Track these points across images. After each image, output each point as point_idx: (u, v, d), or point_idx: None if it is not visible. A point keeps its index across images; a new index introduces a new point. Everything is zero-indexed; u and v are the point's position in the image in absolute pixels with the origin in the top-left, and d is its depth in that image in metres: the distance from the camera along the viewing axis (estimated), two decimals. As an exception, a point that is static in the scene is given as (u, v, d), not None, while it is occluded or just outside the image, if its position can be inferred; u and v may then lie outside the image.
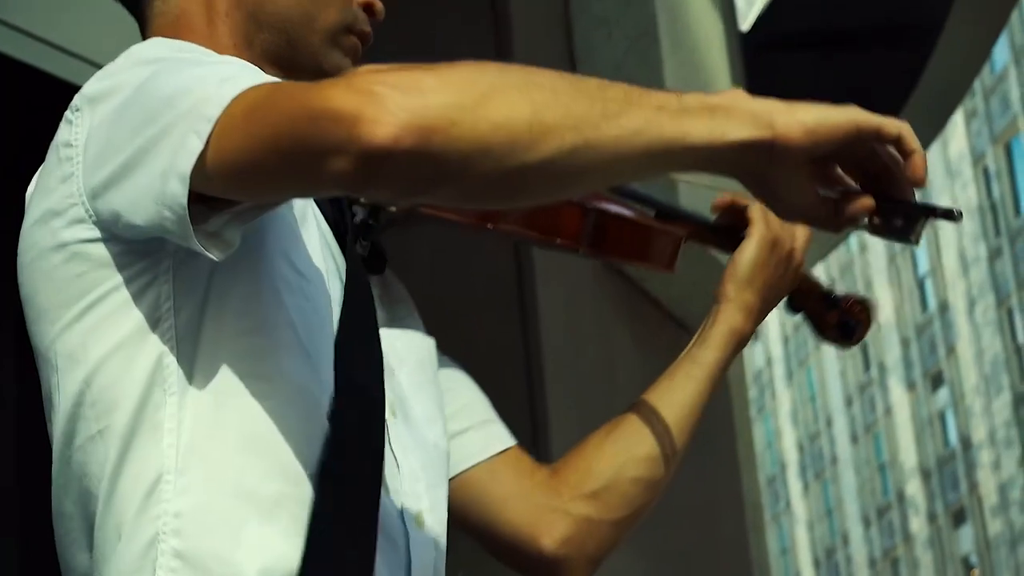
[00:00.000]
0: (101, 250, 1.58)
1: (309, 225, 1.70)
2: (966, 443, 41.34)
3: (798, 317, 2.29)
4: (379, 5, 1.87)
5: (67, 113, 1.63)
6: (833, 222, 1.51)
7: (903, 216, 1.52)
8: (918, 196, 1.53)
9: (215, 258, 1.51)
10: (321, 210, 1.77)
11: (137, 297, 1.58)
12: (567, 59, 5.43)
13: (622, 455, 2.04)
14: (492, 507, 2.00)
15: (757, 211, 2.11)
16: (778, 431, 54.87)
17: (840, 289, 2.33)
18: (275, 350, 1.60)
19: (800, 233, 2.13)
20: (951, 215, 1.52)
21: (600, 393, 4.75)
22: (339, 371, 1.62)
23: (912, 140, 1.49)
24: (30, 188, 1.68)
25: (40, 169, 1.67)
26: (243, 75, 1.47)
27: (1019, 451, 38.09)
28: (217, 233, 1.51)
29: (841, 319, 2.26)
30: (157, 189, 1.47)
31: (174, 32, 1.75)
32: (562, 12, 5.50)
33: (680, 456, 2.08)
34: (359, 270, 1.72)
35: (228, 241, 1.52)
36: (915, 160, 1.49)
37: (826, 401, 50.88)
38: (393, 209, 1.80)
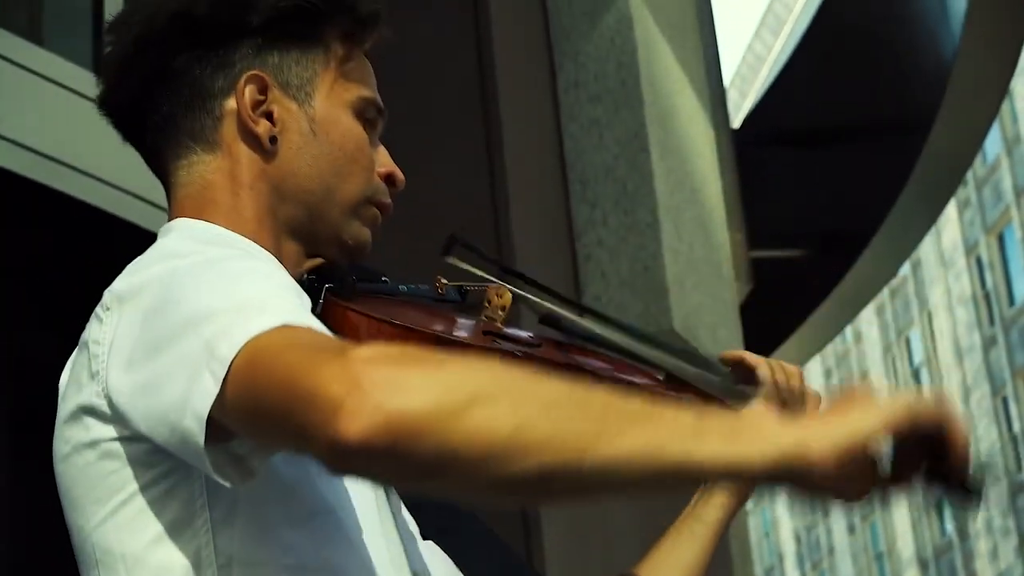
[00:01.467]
0: (132, 448, 1.60)
1: None
2: (963, 533, 41.15)
3: None
4: (400, 176, 1.91)
5: (98, 309, 1.66)
6: (870, 499, 1.49)
7: (948, 490, 1.48)
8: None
9: (233, 485, 1.53)
10: None
11: (170, 493, 1.59)
12: (558, 163, 5.49)
13: None
14: None
15: (766, 371, 2.09)
16: (775, 521, 54.58)
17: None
18: (315, 540, 1.61)
19: (809, 393, 2.13)
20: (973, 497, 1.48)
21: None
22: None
23: (954, 426, 1.44)
24: (63, 377, 1.71)
25: (72, 359, 1.70)
26: (263, 303, 1.50)
27: (1016, 540, 37.89)
28: (243, 457, 1.53)
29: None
30: (174, 420, 1.49)
31: (197, 207, 1.79)
32: (552, 116, 5.56)
33: None
34: None
35: (250, 469, 1.54)
36: (957, 447, 1.44)
37: (822, 490, 50.63)
38: None
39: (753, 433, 1.40)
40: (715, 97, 10.26)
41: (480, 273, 2.03)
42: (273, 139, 1.80)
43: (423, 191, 4.99)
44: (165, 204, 1.87)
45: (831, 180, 12.64)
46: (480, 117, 5.08)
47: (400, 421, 1.32)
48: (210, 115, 1.80)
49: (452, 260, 2.04)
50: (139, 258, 1.70)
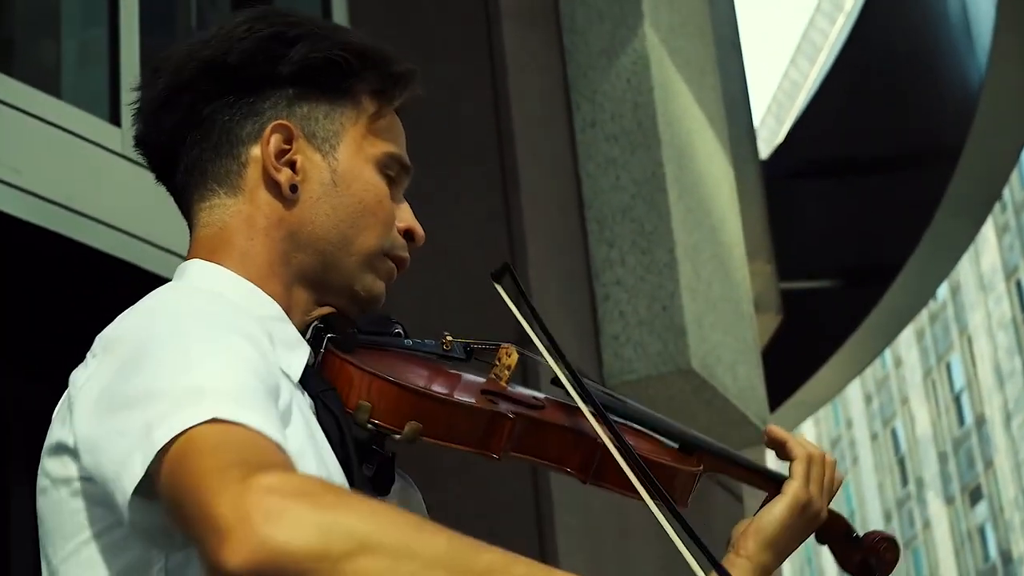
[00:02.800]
0: (97, 489, 1.61)
1: (306, 456, 1.72)
2: (1006, 557, 40.86)
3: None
4: (421, 232, 1.92)
5: (88, 354, 1.70)
6: None
7: None
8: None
9: (164, 549, 1.58)
10: (323, 426, 1.80)
11: (129, 539, 1.61)
12: (576, 203, 5.50)
13: None
14: None
15: (801, 468, 2.12)
16: (817, 548, 54.27)
17: (870, 528, 2.34)
18: None
19: (828, 493, 2.15)
20: None
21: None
22: None
23: None
24: (56, 410, 1.75)
25: (65, 394, 1.73)
26: (206, 393, 1.51)
27: (1060, 566, 37.63)
28: (170, 530, 1.55)
29: (864, 558, 2.27)
30: (111, 488, 1.54)
31: (212, 249, 1.83)
32: (570, 155, 5.58)
33: None
34: (365, 490, 1.75)
35: (178, 544, 1.58)
36: None
37: (865, 516, 50.41)
38: (397, 437, 1.80)
39: None
40: (743, 130, 10.29)
41: (515, 311, 2.03)
42: (294, 187, 1.83)
43: (440, 231, 5.02)
44: (182, 252, 1.91)
45: (858, 211, 12.63)
46: (497, 157, 5.09)
47: (281, 558, 1.34)
48: (236, 160, 1.85)
49: (498, 287, 2.05)
50: (138, 303, 1.73)
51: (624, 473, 1.93)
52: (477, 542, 1.41)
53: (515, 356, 1.97)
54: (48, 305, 4.43)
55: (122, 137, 4.32)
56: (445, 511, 1.77)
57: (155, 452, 1.47)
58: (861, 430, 50.72)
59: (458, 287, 4.91)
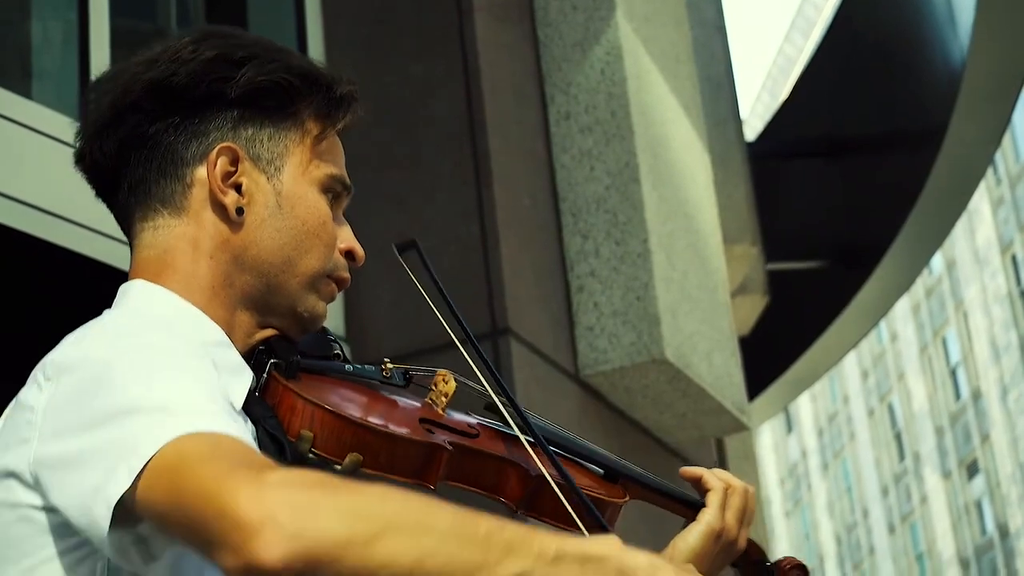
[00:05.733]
0: (47, 517, 1.63)
1: None
2: (1003, 531, 40.95)
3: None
4: (361, 253, 1.97)
5: (38, 374, 1.70)
6: None
7: None
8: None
9: (134, 568, 1.60)
10: (265, 453, 1.83)
11: (74, 567, 1.63)
12: (550, 195, 5.52)
13: None
14: None
15: (716, 498, 2.18)
16: (815, 523, 54.43)
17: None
18: None
19: (747, 521, 2.21)
20: None
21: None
22: None
23: None
24: None
25: (6, 414, 1.74)
26: (187, 405, 1.57)
27: (1057, 539, 37.71)
28: (147, 539, 1.59)
29: None
30: (88, 503, 1.55)
31: (156, 271, 1.86)
32: (544, 147, 5.59)
33: None
34: None
35: (152, 554, 1.61)
36: None
37: (862, 492, 50.52)
38: (338, 468, 1.83)
39: (602, 560, 1.52)
40: (729, 112, 10.29)
41: (417, 283, 2.06)
42: (240, 210, 1.86)
43: (414, 223, 5.06)
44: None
45: (844, 191, 12.64)
46: (470, 150, 5.11)
47: (316, 547, 1.41)
48: (181, 181, 1.87)
49: (402, 260, 2.08)
50: (82, 328, 1.75)
51: (560, 503, 1.97)
52: (471, 511, 1.50)
53: (452, 383, 2.01)
54: (7, 301, 4.42)
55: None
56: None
57: (143, 464, 1.50)
58: (858, 406, 50.77)
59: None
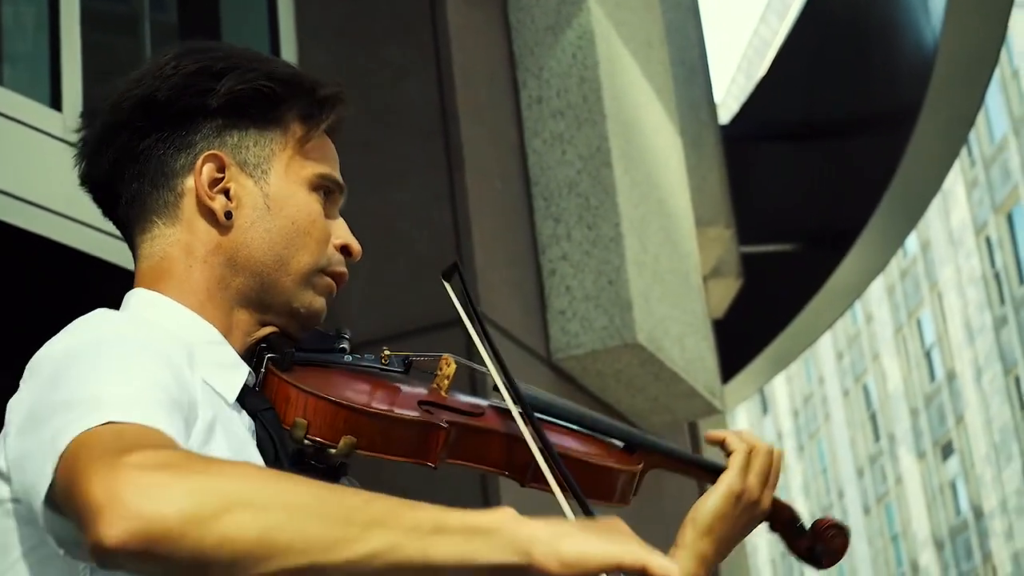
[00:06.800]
0: (22, 509, 1.68)
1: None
2: (978, 512, 41.15)
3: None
4: (357, 247, 2.04)
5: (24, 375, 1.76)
6: None
7: None
8: None
9: (75, 559, 1.62)
10: (260, 444, 1.88)
11: (55, 557, 1.66)
12: (522, 179, 5.53)
13: None
14: None
15: (738, 459, 2.22)
16: (790, 504, 54.59)
17: (818, 516, 2.41)
18: None
19: (772, 483, 2.24)
20: None
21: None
22: None
23: None
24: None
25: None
26: (104, 400, 1.59)
27: (1031, 519, 37.91)
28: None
29: (810, 545, 2.35)
30: (31, 499, 1.60)
31: (153, 278, 1.94)
32: (516, 132, 5.60)
33: None
34: None
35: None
36: None
37: (837, 473, 50.72)
38: (333, 451, 1.88)
39: (490, 533, 1.51)
40: (703, 95, 10.30)
41: (460, 310, 2.11)
42: (228, 214, 1.95)
43: (386, 209, 5.07)
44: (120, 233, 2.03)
45: (818, 173, 12.68)
46: (442, 135, 5.12)
47: (154, 526, 1.42)
48: (172, 192, 1.96)
49: (447, 285, 2.14)
50: (68, 326, 1.80)
51: (556, 475, 2.01)
52: (344, 489, 1.51)
53: (453, 366, 2.08)
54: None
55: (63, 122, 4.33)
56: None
57: (57, 458, 1.54)
58: (833, 387, 50.95)
59: (404, 265, 4.94)
